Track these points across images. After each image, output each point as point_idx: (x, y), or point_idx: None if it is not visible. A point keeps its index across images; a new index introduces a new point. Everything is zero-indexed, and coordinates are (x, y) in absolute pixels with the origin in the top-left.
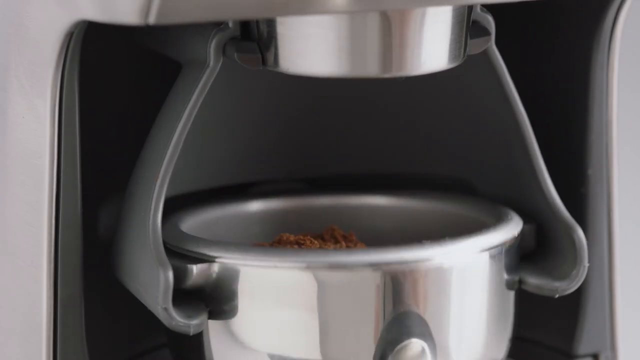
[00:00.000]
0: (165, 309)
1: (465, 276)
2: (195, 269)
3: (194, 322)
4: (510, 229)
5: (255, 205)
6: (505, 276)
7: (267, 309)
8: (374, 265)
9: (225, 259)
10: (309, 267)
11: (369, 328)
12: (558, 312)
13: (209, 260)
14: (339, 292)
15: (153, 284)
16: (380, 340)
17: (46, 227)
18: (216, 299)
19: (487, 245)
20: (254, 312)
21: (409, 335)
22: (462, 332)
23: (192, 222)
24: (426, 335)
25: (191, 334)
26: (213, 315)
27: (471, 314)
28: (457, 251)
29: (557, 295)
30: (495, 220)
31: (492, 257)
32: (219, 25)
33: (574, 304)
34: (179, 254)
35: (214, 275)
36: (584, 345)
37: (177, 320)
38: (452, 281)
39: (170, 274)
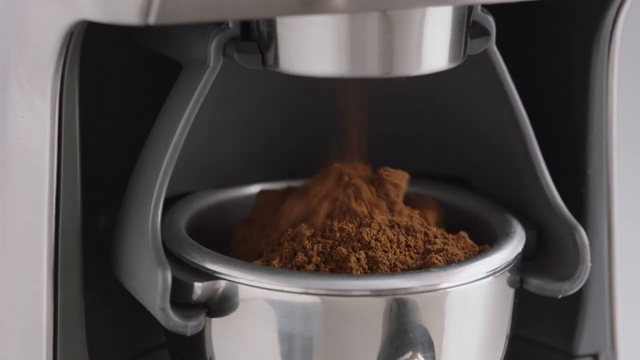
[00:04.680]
0: (163, 309)
1: (470, 299)
2: (201, 287)
3: (192, 323)
4: (515, 247)
5: (255, 188)
6: (507, 286)
7: (269, 329)
8: (379, 292)
9: (232, 278)
10: (317, 294)
11: (371, 353)
12: (558, 312)
13: (215, 277)
14: (345, 318)
15: (151, 284)
16: (382, 352)
17: (46, 227)
18: (218, 310)
19: (491, 267)
20: (255, 329)
21: (410, 347)
22: (464, 348)
23: (191, 207)
24: (427, 350)
25: (189, 334)
26: (211, 315)
27: (473, 331)
28: (462, 277)
29: (560, 296)
30: (494, 221)
31: (496, 277)
32: (219, 26)
33: (574, 304)
34: (182, 263)
35: (219, 292)
36: (584, 345)
37: (175, 320)
38: (457, 305)
39: (169, 275)
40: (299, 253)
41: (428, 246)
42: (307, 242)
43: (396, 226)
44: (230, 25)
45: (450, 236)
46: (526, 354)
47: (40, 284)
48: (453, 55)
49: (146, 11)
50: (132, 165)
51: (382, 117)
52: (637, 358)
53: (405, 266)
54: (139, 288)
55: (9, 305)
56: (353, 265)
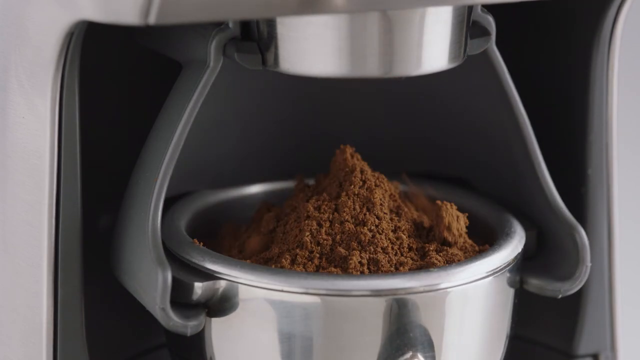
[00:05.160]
0: (163, 310)
1: (470, 299)
2: (201, 287)
3: (192, 323)
4: (515, 247)
5: (255, 188)
6: (507, 286)
7: (269, 329)
8: (379, 292)
9: (232, 278)
10: (317, 294)
11: (371, 353)
12: (558, 312)
13: (215, 277)
14: (345, 318)
15: (151, 284)
16: (382, 352)
17: (46, 227)
18: (218, 310)
19: (491, 267)
20: (255, 329)
21: (410, 347)
22: (464, 348)
23: (191, 207)
24: (427, 350)
25: (189, 334)
26: (211, 315)
27: (473, 331)
28: (462, 277)
29: (560, 296)
30: (494, 221)
31: (496, 277)
32: (219, 26)
33: (574, 304)
34: (182, 263)
35: (219, 292)
36: (584, 345)
37: (175, 320)
38: (457, 305)
39: (169, 275)
40: (299, 254)
41: (428, 246)
42: (308, 242)
43: (398, 230)
44: (230, 25)
45: None
46: (526, 354)
47: (40, 284)
48: (453, 55)
49: (146, 11)
50: (132, 165)
51: (382, 117)
52: (637, 358)
53: (405, 267)
54: (139, 288)
55: (9, 305)
56: (354, 265)
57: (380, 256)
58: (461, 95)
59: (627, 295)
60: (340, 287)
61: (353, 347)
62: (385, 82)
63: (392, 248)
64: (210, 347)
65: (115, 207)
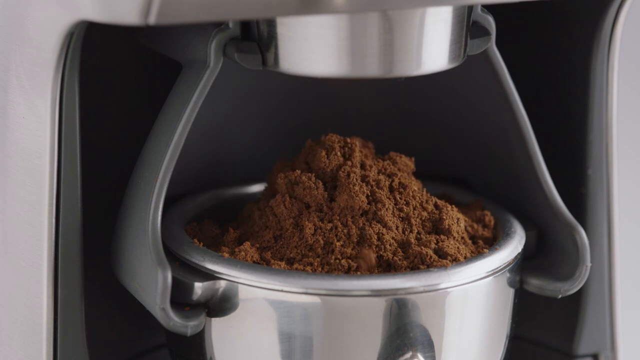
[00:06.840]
0: (163, 309)
1: (470, 299)
2: (201, 287)
3: (192, 323)
4: (515, 247)
5: (255, 188)
6: (507, 286)
7: (269, 329)
8: (379, 292)
9: (232, 278)
10: (317, 294)
11: (371, 353)
12: (558, 312)
13: (215, 277)
14: (345, 318)
15: (151, 284)
16: (382, 352)
17: (46, 227)
18: (218, 310)
19: (491, 267)
20: (255, 329)
21: (410, 347)
22: (464, 348)
23: (191, 207)
24: (427, 350)
25: (189, 334)
26: (211, 315)
27: (473, 331)
28: (462, 277)
29: (560, 296)
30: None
31: (496, 277)
32: (219, 26)
33: (574, 304)
34: (182, 263)
35: (219, 292)
36: (584, 345)
37: (175, 320)
38: (457, 305)
39: (169, 275)
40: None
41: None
42: (308, 237)
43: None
44: (230, 25)
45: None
46: (526, 354)
47: (40, 284)
48: (453, 56)
49: (146, 11)
50: (132, 165)
51: (382, 118)
52: (637, 358)
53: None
54: (139, 288)
55: (9, 305)
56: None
57: (389, 254)
58: (461, 95)
59: (627, 295)
60: (340, 287)
61: (353, 347)
62: (385, 83)
63: (394, 249)
64: (210, 347)
65: (115, 207)
